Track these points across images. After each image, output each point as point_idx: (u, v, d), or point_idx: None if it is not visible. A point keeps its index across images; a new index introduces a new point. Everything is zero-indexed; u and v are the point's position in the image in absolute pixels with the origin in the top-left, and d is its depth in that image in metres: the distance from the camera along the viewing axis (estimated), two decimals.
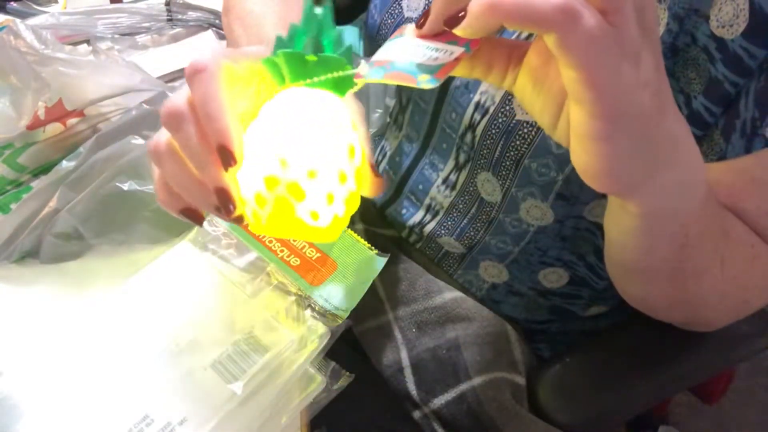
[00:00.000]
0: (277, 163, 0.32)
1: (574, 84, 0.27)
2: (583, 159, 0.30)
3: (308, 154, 0.32)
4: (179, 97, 0.34)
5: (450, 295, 0.57)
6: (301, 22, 0.33)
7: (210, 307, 0.49)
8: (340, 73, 0.33)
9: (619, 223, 0.38)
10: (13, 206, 0.54)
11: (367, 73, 0.32)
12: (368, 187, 0.35)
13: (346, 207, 0.34)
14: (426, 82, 0.30)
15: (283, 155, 0.32)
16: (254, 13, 0.55)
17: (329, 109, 0.34)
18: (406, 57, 0.32)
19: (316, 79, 0.34)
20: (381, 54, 0.33)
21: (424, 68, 0.31)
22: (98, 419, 0.42)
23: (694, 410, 1.18)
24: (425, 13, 0.32)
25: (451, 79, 0.51)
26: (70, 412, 0.43)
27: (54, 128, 0.57)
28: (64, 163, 0.52)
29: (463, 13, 0.28)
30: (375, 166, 0.35)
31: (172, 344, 0.46)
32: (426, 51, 0.32)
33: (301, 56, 0.33)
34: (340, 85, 0.34)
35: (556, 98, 0.31)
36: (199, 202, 0.36)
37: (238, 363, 0.45)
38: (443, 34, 0.32)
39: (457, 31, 0.29)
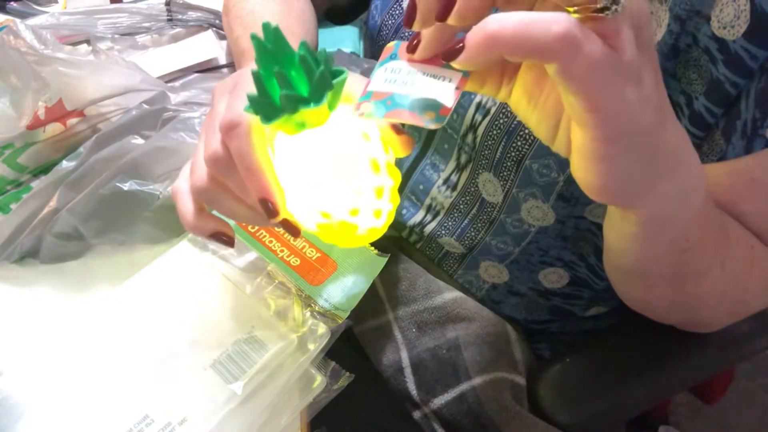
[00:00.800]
0: (321, 216, 0.34)
1: (576, 109, 0.27)
2: (584, 175, 0.30)
3: (345, 202, 0.34)
4: (215, 143, 0.35)
5: (450, 295, 0.57)
6: (257, 63, 0.31)
7: (210, 307, 0.49)
8: (334, 110, 0.33)
9: (620, 230, 0.38)
10: (13, 206, 0.54)
11: (370, 111, 0.31)
12: (399, 149, 0.35)
13: (392, 203, 0.36)
14: (432, 122, 0.30)
15: (323, 209, 0.34)
16: (254, 12, 0.55)
17: (346, 136, 0.33)
18: (406, 89, 0.31)
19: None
20: (378, 82, 0.32)
21: (428, 105, 0.30)
22: (98, 419, 0.42)
23: (694, 410, 1.18)
24: (416, 37, 0.31)
25: None
26: (70, 412, 0.43)
27: (54, 128, 0.57)
28: (64, 163, 0.52)
29: (460, 45, 0.28)
30: (396, 127, 0.35)
31: (172, 344, 0.46)
32: (424, 79, 0.31)
33: (290, 119, 0.32)
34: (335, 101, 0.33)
35: (552, 113, 0.30)
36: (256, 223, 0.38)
37: (238, 363, 0.45)
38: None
39: (456, 64, 0.28)
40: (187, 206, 0.39)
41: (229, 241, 0.40)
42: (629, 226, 0.36)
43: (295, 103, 0.31)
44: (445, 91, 0.30)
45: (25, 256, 0.54)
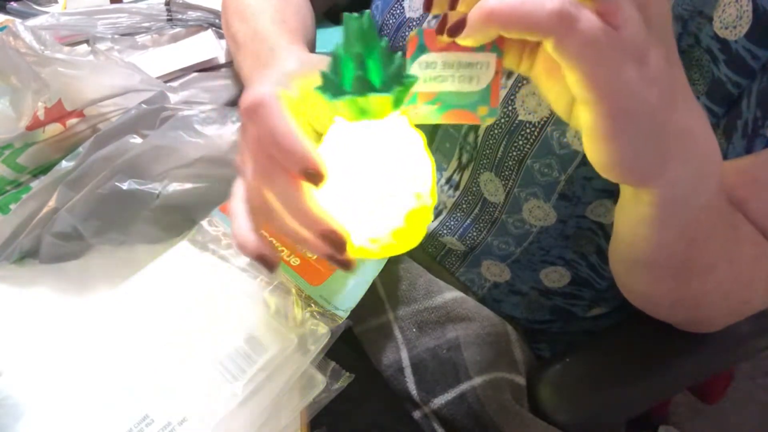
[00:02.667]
0: (369, 242, 0.34)
1: (576, 86, 0.27)
2: (594, 154, 0.30)
3: (388, 225, 0.34)
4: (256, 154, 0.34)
5: (450, 295, 0.57)
6: (342, 43, 0.32)
7: (210, 308, 0.49)
8: (396, 112, 0.32)
9: (631, 213, 0.38)
10: (12, 207, 0.54)
11: (424, 114, 0.32)
12: None
13: (432, 200, 0.35)
14: (487, 117, 0.30)
15: (371, 236, 0.34)
16: (252, 7, 0.55)
17: (392, 150, 0.33)
18: (451, 85, 0.32)
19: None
20: (419, 82, 0.32)
21: (477, 98, 0.31)
22: (98, 419, 0.42)
23: (694, 410, 1.18)
24: (443, 20, 0.31)
25: None
26: (70, 412, 0.43)
27: (54, 128, 0.57)
28: (64, 163, 0.52)
29: (463, 20, 0.28)
30: None
31: (172, 344, 0.46)
32: (462, 71, 0.32)
33: (355, 102, 0.31)
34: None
35: (569, 89, 0.30)
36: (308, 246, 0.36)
37: (238, 363, 0.45)
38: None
39: (459, 40, 0.29)
40: (239, 225, 0.38)
41: (272, 267, 0.38)
42: (642, 208, 0.36)
43: (365, 86, 0.31)
44: (483, 73, 0.31)
45: (25, 257, 0.54)
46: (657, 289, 0.45)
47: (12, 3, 0.83)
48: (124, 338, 0.46)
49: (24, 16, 0.81)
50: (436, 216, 0.59)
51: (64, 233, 0.52)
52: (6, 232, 0.52)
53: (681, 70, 0.30)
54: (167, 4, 0.76)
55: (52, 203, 0.52)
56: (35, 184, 0.55)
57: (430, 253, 0.61)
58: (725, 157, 0.42)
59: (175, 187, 0.52)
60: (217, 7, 0.75)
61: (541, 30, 0.26)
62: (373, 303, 0.57)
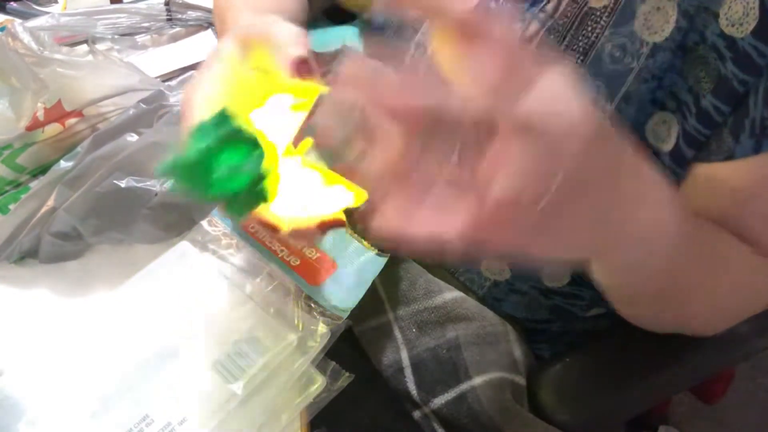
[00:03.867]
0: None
1: None
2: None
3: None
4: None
5: (450, 295, 0.57)
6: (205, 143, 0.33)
7: (210, 307, 0.49)
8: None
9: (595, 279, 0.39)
10: (11, 207, 0.54)
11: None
12: None
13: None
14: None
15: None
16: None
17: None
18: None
19: None
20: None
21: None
22: (98, 419, 0.42)
23: (694, 410, 1.18)
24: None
25: None
26: (70, 412, 0.43)
27: (53, 129, 0.57)
28: (62, 163, 0.52)
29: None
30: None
31: (171, 344, 0.46)
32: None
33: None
34: None
35: None
36: None
37: (238, 363, 0.45)
38: None
39: None
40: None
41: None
42: (601, 277, 0.37)
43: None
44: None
45: (25, 257, 0.54)
46: (638, 311, 0.47)
47: (12, 3, 0.83)
48: (124, 338, 0.46)
49: (24, 16, 0.81)
50: None
51: (63, 233, 0.52)
52: (6, 232, 0.52)
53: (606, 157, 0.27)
54: (167, 4, 0.76)
55: (50, 203, 0.52)
56: (34, 184, 0.55)
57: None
58: (732, 156, 0.42)
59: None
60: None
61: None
62: (373, 303, 0.57)
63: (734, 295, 0.44)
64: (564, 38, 0.48)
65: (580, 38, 0.47)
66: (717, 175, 0.43)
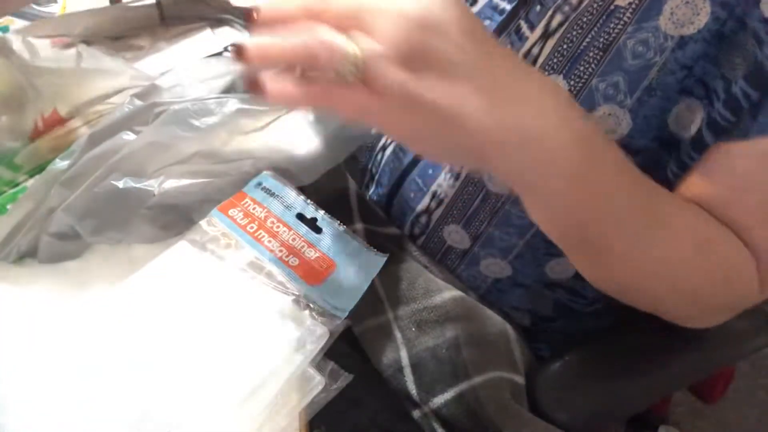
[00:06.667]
0: None
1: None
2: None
3: None
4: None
5: (450, 294, 0.57)
6: None
7: (209, 307, 0.48)
8: None
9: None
10: (9, 207, 0.54)
11: None
12: None
13: None
14: None
15: None
16: None
17: None
18: None
19: None
20: None
21: None
22: (97, 419, 0.42)
23: (694, 410, 1.18)
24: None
25: None
26: (69, 412, 0.42)
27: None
28: (58, 162, 0.52)
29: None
30: None
31: (171, 344, 0.46)
32: None
33: None
34: None
35: None
36: None
37: (238, 363, 0.45)
38: None
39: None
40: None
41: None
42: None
43: None
44: None
45: (24, 257, 0.54)
46: (614, 268, 0.46)
47: None
48: (122, 338, 0.46)
49: (23, 16, 0.81)
50: (438, 205, 0.59)
51: (62, 233, 0.52)
52: (4, 232, 0.52)
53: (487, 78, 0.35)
54: (165, 3, 0.76)
55: (48, 203, 0.52)
56: (30, 184, 0.55)
57: (431, 251, 0.61)
58: (746, 134, 0.42)
59: (171, 184, 0.52)
60: (216, 6, 0.75)
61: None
62: (372, 303, 0.57)
63: (690, 264, 0.44)
64: (587, 34, 0.49)
65: (602, 35, 0.47)
66: (729, 154, 0.44)
